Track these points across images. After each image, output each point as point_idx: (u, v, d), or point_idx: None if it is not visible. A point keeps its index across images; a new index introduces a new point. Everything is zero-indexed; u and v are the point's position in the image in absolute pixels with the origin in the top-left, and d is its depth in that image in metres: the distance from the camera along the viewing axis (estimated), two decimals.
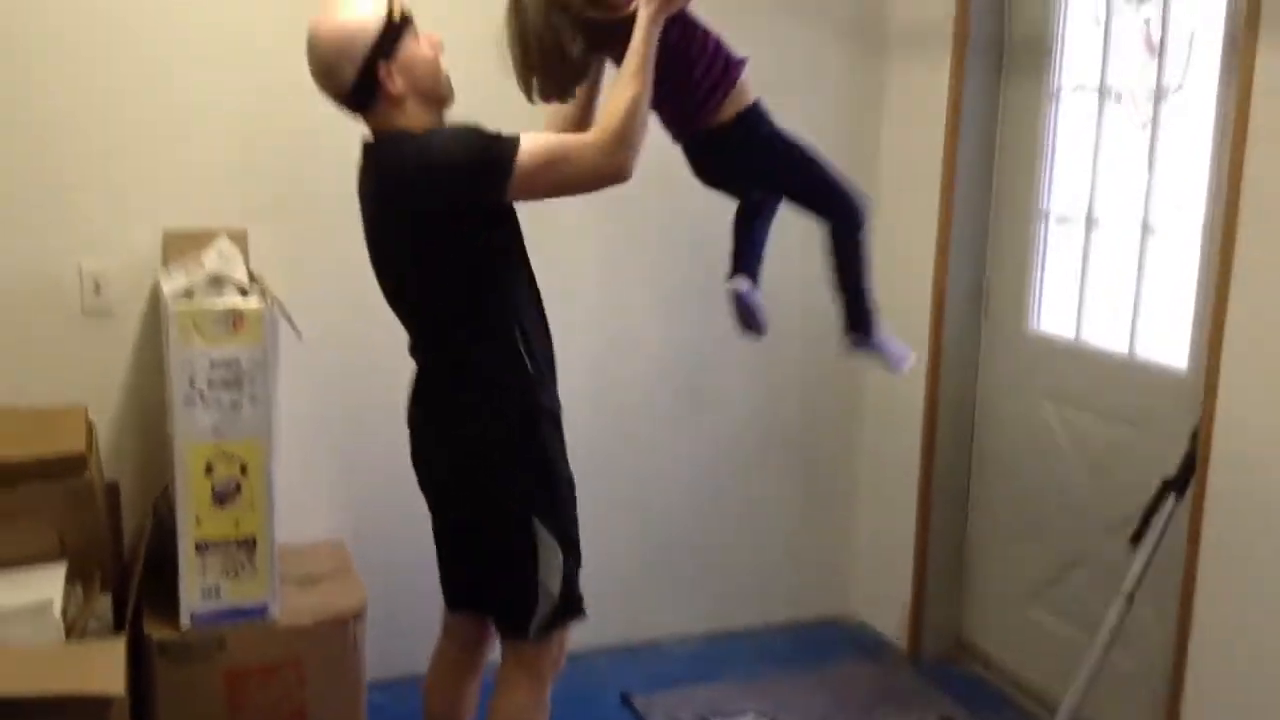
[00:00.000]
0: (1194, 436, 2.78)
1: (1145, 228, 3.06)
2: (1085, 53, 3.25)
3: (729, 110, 2.29)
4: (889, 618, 3.90)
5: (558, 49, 2.19)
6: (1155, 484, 2.84)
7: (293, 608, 2.85)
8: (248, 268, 2.93)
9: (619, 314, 3.57)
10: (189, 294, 2.70)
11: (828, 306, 3.81)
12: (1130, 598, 2.82)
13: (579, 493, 2.44)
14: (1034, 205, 3.41)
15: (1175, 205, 3.01)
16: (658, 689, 3.55)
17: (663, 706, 3.45)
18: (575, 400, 2.53)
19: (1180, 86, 2.98)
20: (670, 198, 3.50)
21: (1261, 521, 2.64)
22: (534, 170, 2.17)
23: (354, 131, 3.09)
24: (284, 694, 2.81)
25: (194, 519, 2.69)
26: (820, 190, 2.40)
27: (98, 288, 3.00)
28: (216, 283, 2.76)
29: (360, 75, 2.20)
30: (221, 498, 2.70)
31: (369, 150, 2.32)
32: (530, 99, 2.31)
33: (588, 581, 2.48)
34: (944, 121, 3.48)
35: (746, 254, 2.53)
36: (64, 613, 2.55)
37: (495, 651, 2.59)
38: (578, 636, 2.56)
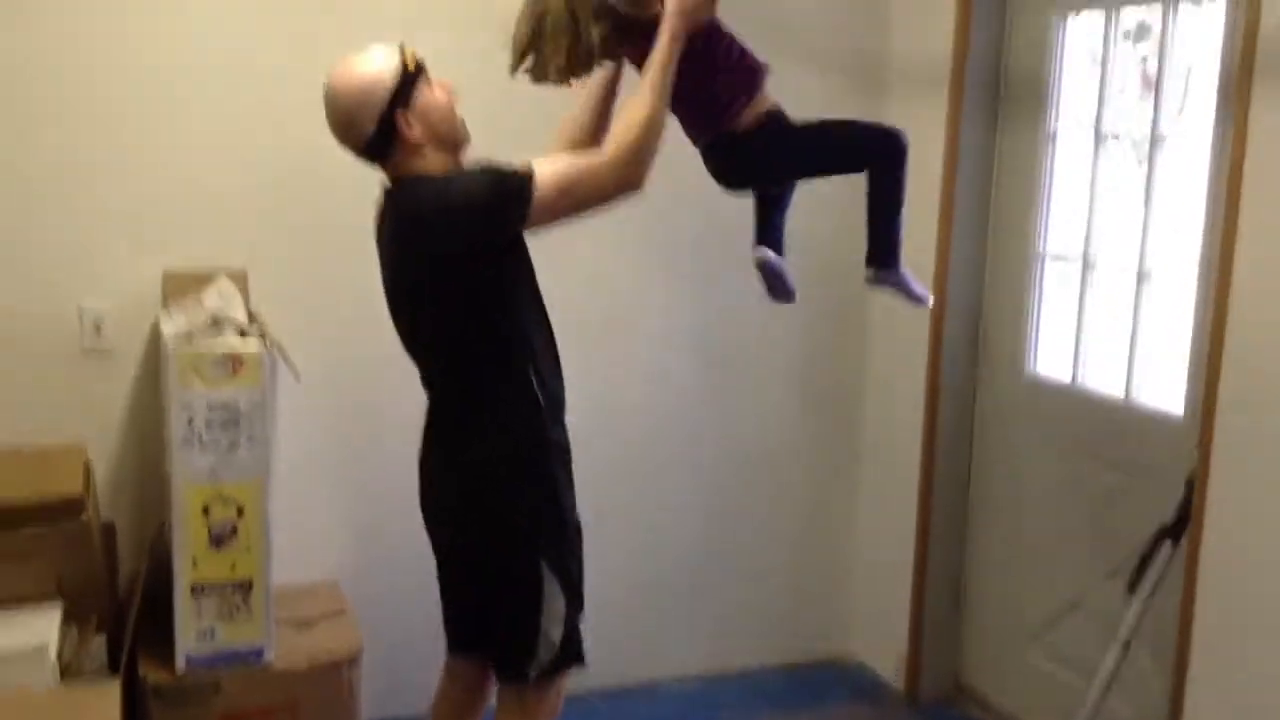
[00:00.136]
0: (1189, 483, 2.78)
1: (1141, 273, 3.08)
2: (1082, 91, 3.27)
3: (749, 116, 2.29)
4: (887, 659, 3.89)
5: (573, 30, 2.18)
6: (1152, 530, 2.84)
7: (288, 650, 2.84)
8: (247, 308, 2.94)
9: (616, 350, 3.58)
10: (189, 336, 2.70)
11: (824, 356, 3.87)
12: (1127, 645, 2.82)
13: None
14: (1031, 247, 3.43)
15: (1171, 250, 3.02)
16: None
17: None
18: (572, 438, 2.53)
19: (1177, 124, 3.00)
20: (671, 233, 3.53)
21: (1257, 570, 2.64)
22: (551, 198, 2.19)
23: (354, 174, 3.12)
24: None
25: (190, 561, 2.69)
26: (852, 156, 2.38)
27: (98, 327, 3.01)
28: (216, 324, 2.77)
29: (379, 126, 2.23)
30: (218, 540, 2.70)
31: (388, 194, 2.33)
32: (512, 73, 2.28)
33: (584, 621, 2.48)
34: (941, 163, 3.50)
35: (769, 228, 2.51)
36: (59, 655, 2.55)
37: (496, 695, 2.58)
38: (575, 677, 2.55)
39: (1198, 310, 2.88)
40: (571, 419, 2.48)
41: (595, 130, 2.47)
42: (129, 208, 3.02)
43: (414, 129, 2.24)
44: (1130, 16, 3.13)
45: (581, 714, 3.32)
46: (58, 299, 2.99)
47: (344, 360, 3.24)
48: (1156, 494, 2.98)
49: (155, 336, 3.00)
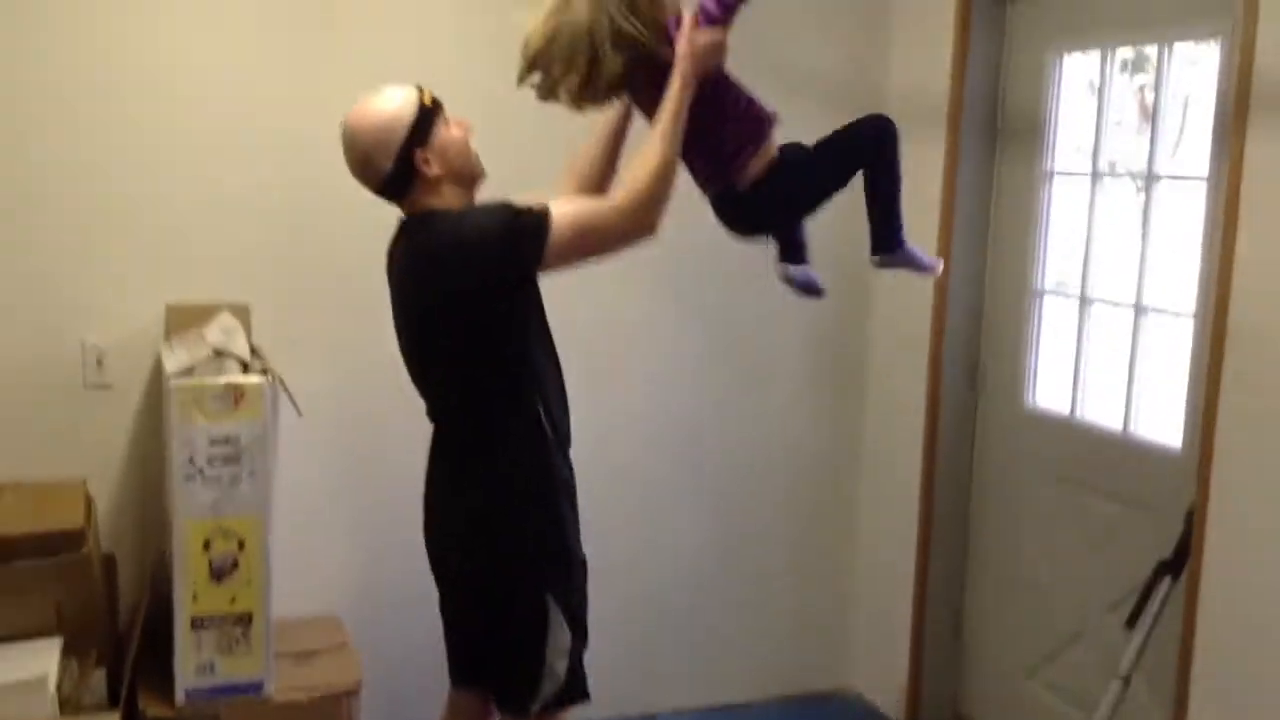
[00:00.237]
0: (1189, 517, 2.79)
1: (1139, 306, 3.09)
2: (1080, 123, 3.30)
3: (756, 167, 2.29)
4: (887, 691, 3.88)
5: (590, 54, 2.17)
6: (1152, 564, 2.84)
7: (288, 684, 2.84)
8: (249, 342, 2.95)
9: (615, 384, 3.59)
10: (190, 370, 2.71)
11: (824, 390, 3.88)
12: (1126, 680, 2.82)
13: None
14: (1029, 282, 3.45)
15: (1169, 284, 3.04)
16: None
17: None
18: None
19: (1174, 157, 3.02)
20: (670, 268, 3.54)
21: (1257, 604, 2.64)
22: (566, 239, 2.21)
23: (357, 209, 3.14)
24: None
25: (190, 595, 2.69)
26: (852, 168, 2.36)
27: (100, 361, 3.03)
28: (218, 358, 2.79)
29: (397, 163, 2.25)
30: (219, 573, 2.70)
31: (404, 228, 2.35)
32: (519, 83, 2.27)
33: (586, 654, 2.48)
34: (939, 198, 3.53)
35: (790, 245, 2.49)
36: (59, 687, 2.55)
37: None
38: (576, 709, 2.54)
39: (1195, 344, 2.89)
40: (572, 452, 2.49)
41: (604, 173, 2.49)
42: (132, 242, 3.03)
43: (432, 166, 2.27)
44: (1127, 52, 3.17)
45: None
46: (61, 334, 3.00)
47: (345, 394, 3.25)
48: (1156, 527, 2.98)
49: (157, 370, 3.01)
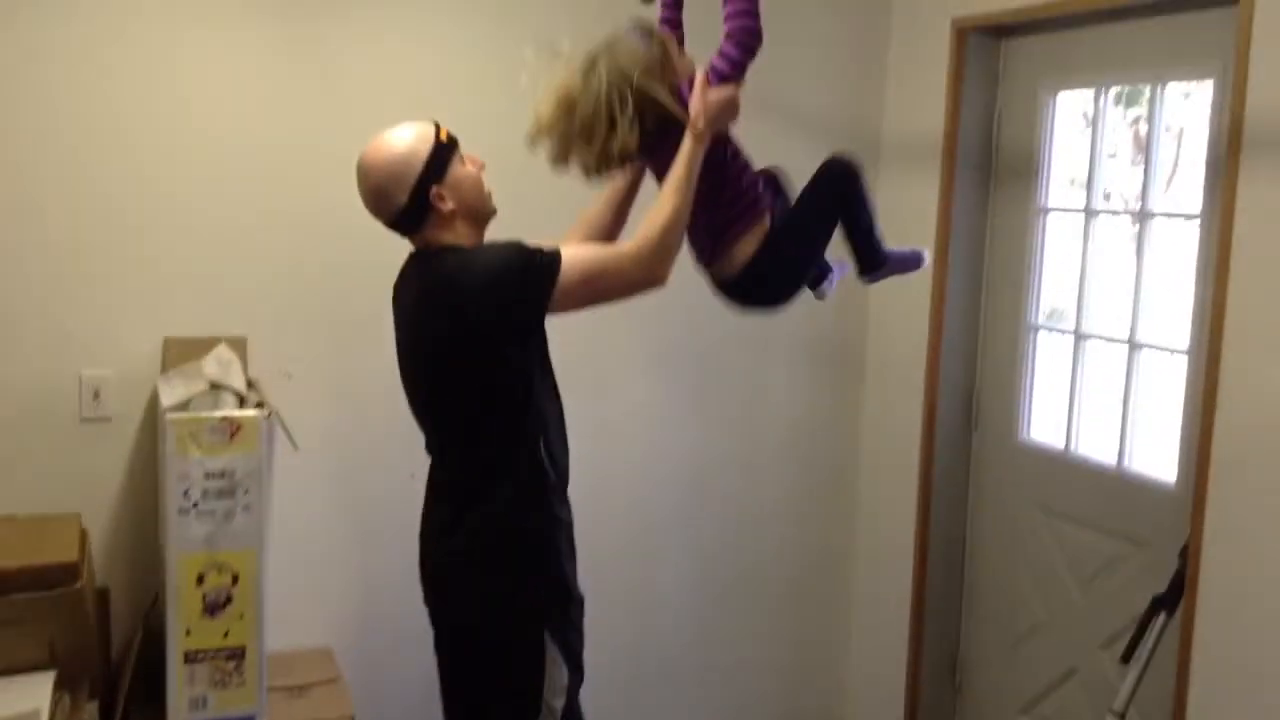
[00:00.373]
0: (1183, 553, 2.79)
1: (1133, 343, 3.11)
2: (1074, 158, 3.32)
3: (745, 247, 2.30)
4: None
5: (608, 129, 2.19)
6: (1147, 600, 2.84)
7: (281, 718, 2.82)
8: (246, 375, 2.96)
9: (610, 422, 3.60)
10: (186, 404, 2.72)
11: (818, 427, 3.88)
12: (1122, 716, 2.80)
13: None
14: (1023, 317, 3.46)
15: (1162, 321, 3.06)
16: None
17: None
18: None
19: (1167, 194, 3.04)
20: (669, 304, 3.55)
21: (1252, 641, 2.64)
22: (577, 283, 2.22)
23: (355, 244, 3.16)
24: None
25: (184, 630, 2.69)
26: (830, 219, 2.37)
27: (97, 394, 3.02)
28: (214, 391, 2.79)
29: (412, 199, 2.26)
30: (212, 608, 2.70)
31: (415, 261, 2.36)
32: (530, 145, 2.30)
33: (583, 692, 2.47)
34: (934, 234, 3.55)
35: (861, 249, 2.46)
36: None
37: None
38: None
39: (1189, 381, 2.91)
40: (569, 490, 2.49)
41: (611, 230, 2.50)
42: (130, 275, 3.04)
43: (446, 202, 2.28)
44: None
45: None
46: (58, 367, 3.00)
47: (341, 426, 3.26)
48: (1151, 562, 2.99)
49: (154, 403, 3.01)
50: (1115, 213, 3.28)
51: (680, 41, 2.40)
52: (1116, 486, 3.16)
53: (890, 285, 3.71)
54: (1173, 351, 2.99)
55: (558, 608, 2.36)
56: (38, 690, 2.57)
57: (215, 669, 2.72)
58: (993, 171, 3.55)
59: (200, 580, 2.68)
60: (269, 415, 2.76)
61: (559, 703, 2.35)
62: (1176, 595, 2.78)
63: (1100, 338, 3.26)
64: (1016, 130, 3.46)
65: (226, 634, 2.72)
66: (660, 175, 2.32)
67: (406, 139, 2.29)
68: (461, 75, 3.29)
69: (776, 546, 3.91)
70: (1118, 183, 3.25)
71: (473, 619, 2.40)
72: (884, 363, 3.85)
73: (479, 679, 2.44)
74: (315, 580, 3.31)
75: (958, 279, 3.56)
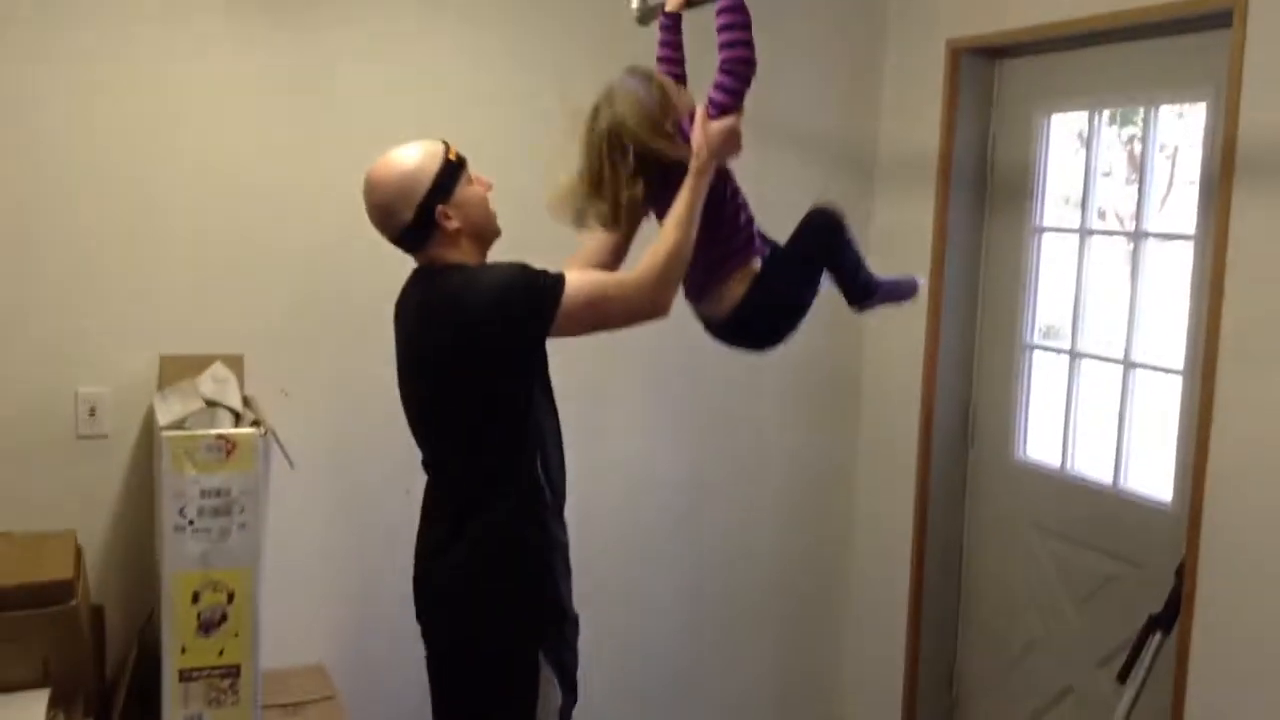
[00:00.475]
0: (1179, 572, 2.80)
1: (1128, 362, 3.12)
2: (1069, 176, 3.34)
3: (737, 287, 2.30)
4: None
5: (615, 171, 2.21)
6: (1143, 618, 2.84)
7: None
8: (242, 393, 2.96)
9: (606, 437, 3.60)
10: (182, 422, 2.72)
11: (814, 446, 3.89)
12: None
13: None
14: (1019, 335, 3.47)
15: (1158, 341, 3.07)
16: None
17: None
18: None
19: (1162, 213, 3.06)
20: (665, 321, 3.55)
21: (1248, 659, 2.64)
22: (579, 306, 2.22)
23: (350, 260, 3.17)
24: None
25: (179, 647, 2.68)
26: (816, 269, 2.37)
27: (93, 412, 3.03)
28: (210, 409, 2.79)
29: (417, 215, 2.27)
30: (207, 626, 2.70)
31: (418, 277, 2.36)
32: (552, 214, 2.31)
33: (578, 706, 2.46)
34: (929, 253, 3.56)
35: (849, 290, 2.44)
36: None
37: None
38: None
39: (1185, 400, 2.92)
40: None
41: (610, 266, 2.48)
42: (126, 293, 3.04)
43: (451, 220, 2.28)
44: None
45: None
46: (54, 384, 3.00)
47: (337, 445, 3.26)
48: (1147, 580, 2.99)
49: (150, 421, 3.01)
50: (1110, 233, 3.29)
51: (681, 72, 2.41)
52: (1112, 505, 3.17)
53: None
54: (1168, 371, 3.00)
55: (553, 627, 2.36)
56: (32, 708, 2.57)
57: (210, 687, 2.72)
58: (988, 191, 3.56)
59: (195, 598, 2.68)
60: (265, 433, 2.76)
61: None
62: (1173, 614, 2.78)
63: (1095, 357, 3.27)
64: (1011, 151, 3.48)
65: (221, 652, 2.72)
66: (662, 215, 2.31)
67: (415, 156, 2.29)
68: (463, 97, 3.31)
69: (773, 563, 3.90)
70: (1112, 200, 3.27)
71: (468, 638, 2.39)
72: (880, 380, 3.86)
73: (472, 699, 2.43)
74: (310, 598, 3.30)
75: (953, 298, 3.57)
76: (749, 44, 2.18)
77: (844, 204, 3.81)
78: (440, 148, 2.31)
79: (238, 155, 3.12)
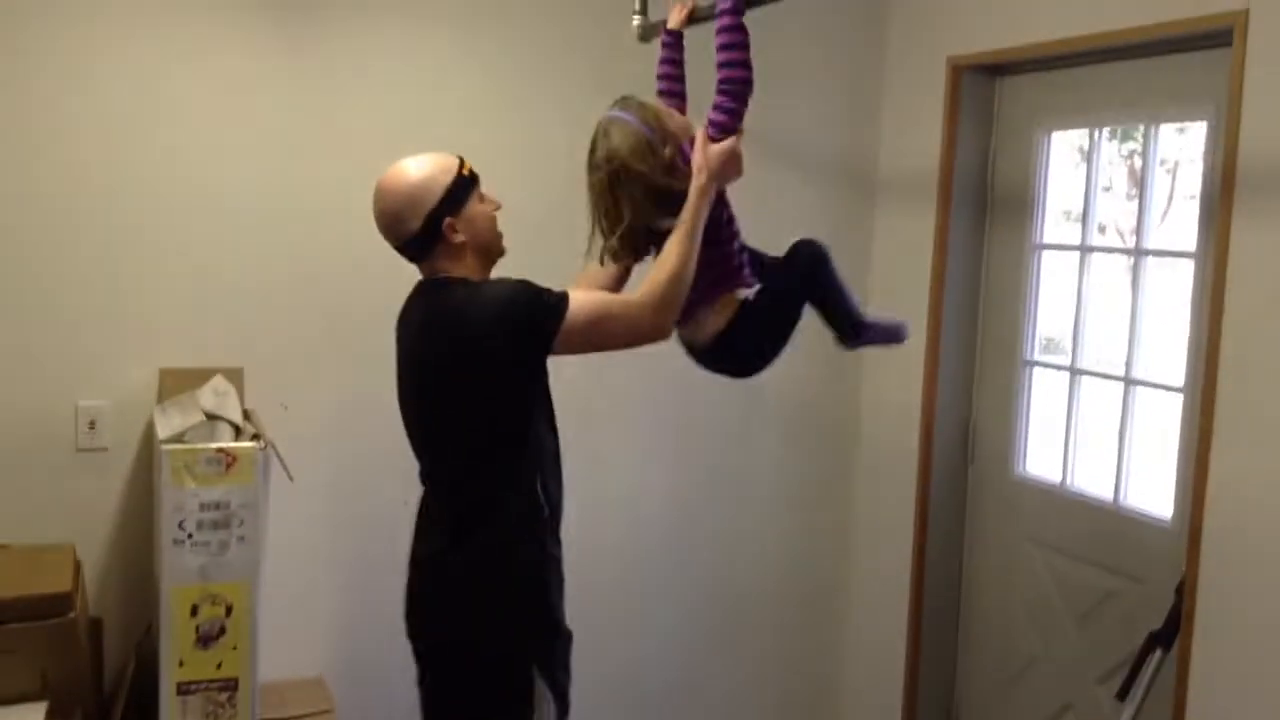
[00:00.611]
0: (1179, 589, 2.79)
1: (1129, 379, 3.12)
2: (1069, 191, 3.35)
3: (720, 314, 2.31)
4: None
5: (617, 206, 2.22)
6: (1143, 635, 2.84)
7: None
8: (242, 406, 2.96)
9: (602, 453, 3.59)
10: (182, 435, 2.72)
11: (813, 462, 3.88)
12: None
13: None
14: (1019, 351, 3.47)
15: (1158, 358, 3.07)
16: None
17: None
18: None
19: (1162, 229, 3.06)
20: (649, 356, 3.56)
21: (1248, 677, 2.63)
22: (581, 325, 2.22)
23: (350, 274, 3.17)
24: None
25: (176, 661, 2.68)
26: (801, 299, 2.38)
27: (92, 424, 3.03)
28: (210, 422, 2.79)
29: (425, 226, 2.28)
30: (205, 639, 2.69)
31: (421, 290, 2.37)
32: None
33: None
34: (930, 269, 3.56)
35: (835, 322, 2.45)
36: None
37: None
38: None
39: (1185, 418, 2.91)
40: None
41: (613, 290, 2.50)
42: (127, 305, 3.05)
43: (458, 234, 2.29)
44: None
45: None
46: (54, 397, 3.00)
47: (336, 459, 3.26)
48: (1147, 598, 2.99)
49: (149, 434, 3.01)
50: (1110, 249, 3.29)
51: (682, 90, 2.42)
52: (1112, 522, 3.16)
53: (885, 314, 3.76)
54: (1168, 388, 3.00)
55: (546, 643, 2.35)
56: None
57: (208, 700, 2.71)
58: (988, 208, 3.57)
59: (194, 611, 2.67)
60: (265, 447, 2.76)
61: None
62: (1173, 631, 2.78)
63: (1096, 374, 3.27)
64: (1011, 167, 3.49)
65: (219, 665, 2.71)
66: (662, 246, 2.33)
67: (428, 167, 2.30)
68: (465, 111, 3.32)
69: (771, 579, 3.90)
70: (1113, 215, 3.27)
71: (461, 651, 2.38)
72: (880, 395, 3.86)
73: (466, 713, 2.42)
74: (309, 611, 3.30)
75: (953, 313, 3.57)
76: (747, 64, 2.19)
77: (845, 220, 3.87)
78: (455, 162, 2.32)
79: (238, 168, 3.12)
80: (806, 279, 2.36)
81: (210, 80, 3.08)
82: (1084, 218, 3.25)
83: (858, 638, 3.98)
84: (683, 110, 2.40)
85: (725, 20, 2.20)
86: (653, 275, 2.25)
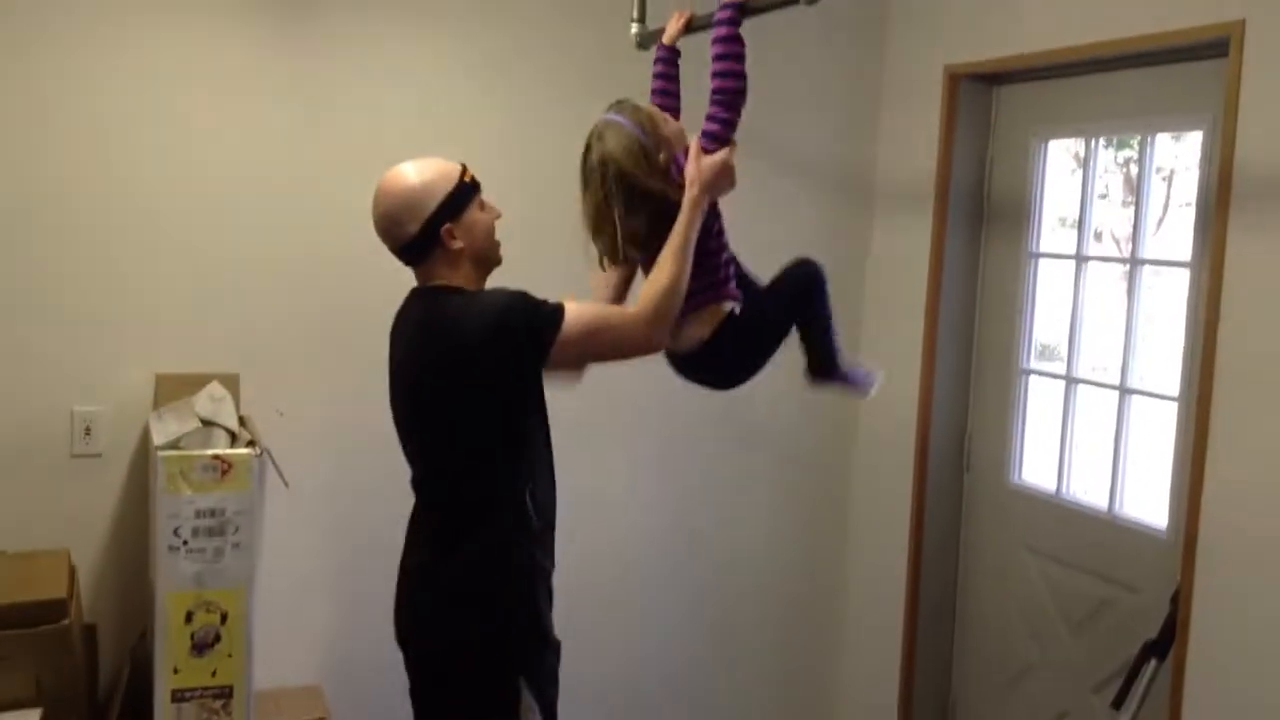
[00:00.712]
0: (1175, 599, 2.79)
1: (1124, 388, 3.12)
2: (1065, 198, 3.35)
3: (702, 324, 2.30)
4: None
5: (610, 210, 2.22)
6: (1138, 644, 2.84)
7: None
8: (238, 412, 2.95)
9: (599, 464, 3.59)
10: (178, 441, 2.72)
11: (809, 470, 3.88)
12: None
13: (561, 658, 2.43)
14: (1015, 359, 3.48)
15: (1153, 367, 3.07)
16: None
17: None
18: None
19: (1157, 237, 3.06)
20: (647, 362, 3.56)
21: (1243, 686, 2.64)
22: (576, 336, 2.22)
23: (346, 280, 3.17)
24: None
25: (171, 668, 2.67)
26: (790, 317, 2.38)
27: (88, 430, 3.02)
28: (206, 428, 2.79)
29: (423, 230, 2.27)
30: (200, 647, 2.69)
31: (417, 297, 2.36)
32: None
33: None
34: (926, 278, 3.57)
35: (812, 355, 2.44)
36: None
37: None
38: None
39: (1180, 428, 2.92)
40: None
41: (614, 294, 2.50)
42: (123, 311, 3.04)
43: (455, 240, 2.29)
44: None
45: None
46: (50, 402, 3.00)
47: (332, 465, 3.25)
48: (1142, 607, 2.99)
49: (145, 440, 3.01)
50: (1106, 259, 3.30)
51: (676, 104, 2.42)
52: (1108, 531, 3.17)
53: (883, 328, 3.77)
54: (1163, 398, 3.00)
55: (534, 654, 2.34)
56: None
57: (203, 708, 2.71)
58: (984, 216, 3.57)
59: (189, 618, 2.67)
60: (260, 453, 2.76)
61: None
62: (1168, 641, 2.78)
63: (1091, 383, 3.27)
64: (1008, 176, 3.49)
65: (214, 673, 2.71)
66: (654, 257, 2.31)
67: (429, 172, 2.30)
68: (461, 116, 3.32)
69: (767, 587, 3.90)
70: (1109, 221, 3.28)
71: (449, 660, 2.38)
72: (876, 403, 3.84)
73: None
74: (304, 618, 3.30)
75: (950, 322, 3.58)
76: (742, 75, 2.19)
77: (843, 227, 3.87)
78: (457, 168, 2.32)
79: (235, 173, 3.12)
80: (799, 298, 2.36)
81: (209, 88, 3.08)
82: (1080, 224, 3.26)
83: (854, 644, 3.98)
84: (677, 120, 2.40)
85: (722, 31, 2.20)
86: (646, 289, 2.25)
